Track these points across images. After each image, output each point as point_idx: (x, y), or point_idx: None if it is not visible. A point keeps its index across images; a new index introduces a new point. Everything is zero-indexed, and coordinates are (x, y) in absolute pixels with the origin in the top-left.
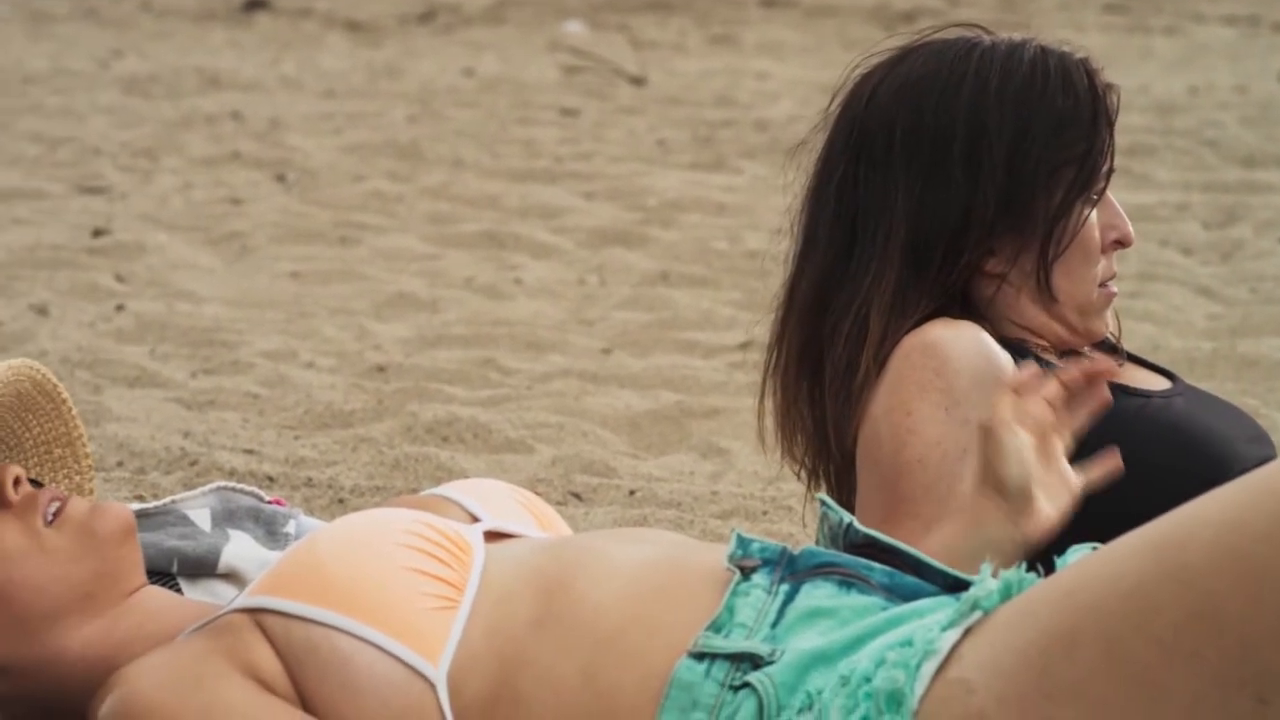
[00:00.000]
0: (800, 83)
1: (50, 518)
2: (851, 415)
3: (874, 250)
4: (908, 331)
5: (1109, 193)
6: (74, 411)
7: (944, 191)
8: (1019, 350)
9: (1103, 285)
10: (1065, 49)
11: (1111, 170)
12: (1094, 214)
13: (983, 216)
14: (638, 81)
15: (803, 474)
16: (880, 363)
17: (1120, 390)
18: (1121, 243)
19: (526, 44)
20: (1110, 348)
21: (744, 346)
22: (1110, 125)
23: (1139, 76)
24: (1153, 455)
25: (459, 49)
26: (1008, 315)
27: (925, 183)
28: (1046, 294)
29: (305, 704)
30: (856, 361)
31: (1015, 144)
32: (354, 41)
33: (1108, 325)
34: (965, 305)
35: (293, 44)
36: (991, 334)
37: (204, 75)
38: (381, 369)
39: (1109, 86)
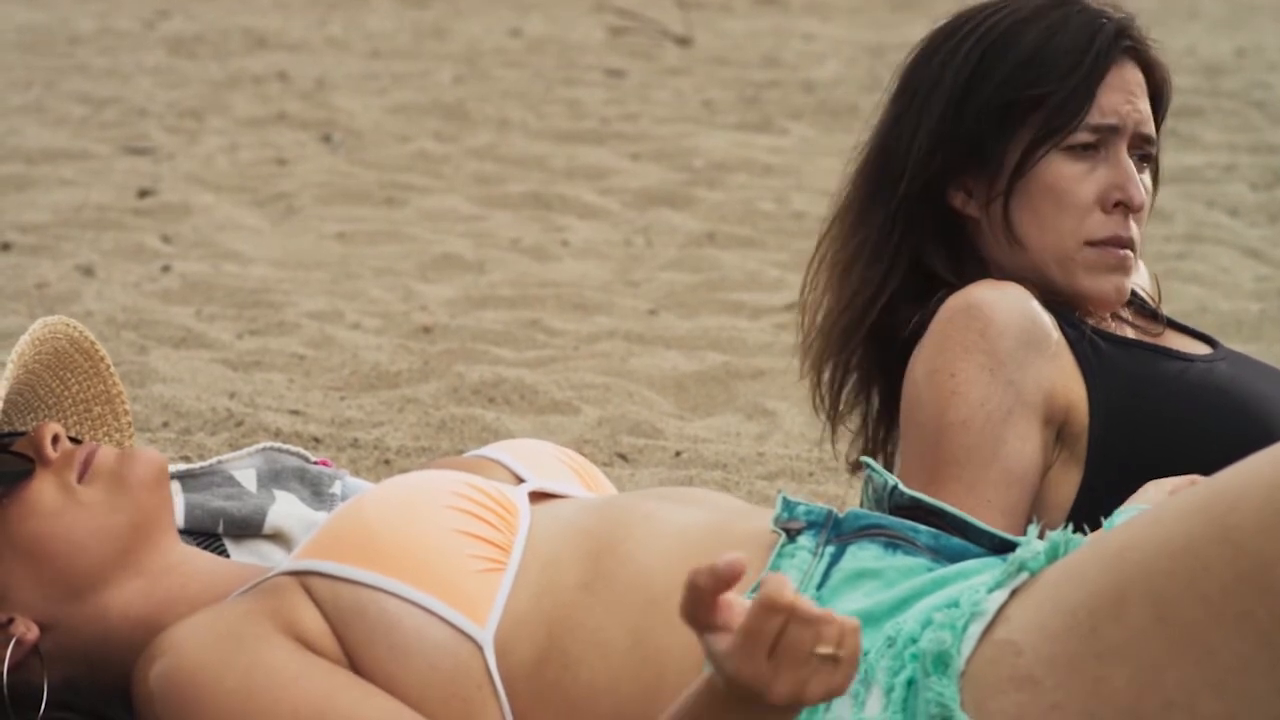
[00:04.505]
0: (847, 43)
1: (81, 472)
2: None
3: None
4: (896, 285)
5: (1125, 154)
6: (112, 369)
7: (904, 124)
8: (1061, 314)
9: (1099, 245)
10: (1108, 10)
11: (1112, 129)
12: (1077, 165)
13: (930, 146)
14: (684, 42)
15: (841, 433)
16: (918, 318)
17: (1162, 354)
18: (1126, 205)
19: (573, 4)
20: (1150, 313)
21: (790, 307)
22: (1099, 79)
23: (1186, 37)
24: (1196, 419)
25: (505, 9)
26: (993, 260)
27: (898, 114)
28: (1011, 238)
29: (352, 666)
30: (858, 315)
31: (971, 76)
32: (400, 1)
33: (1119, 290)
34: (969, 254)
35: (339, 4)
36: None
37: (250, 35)
38: (427, 330)
39: (1129, 49)
